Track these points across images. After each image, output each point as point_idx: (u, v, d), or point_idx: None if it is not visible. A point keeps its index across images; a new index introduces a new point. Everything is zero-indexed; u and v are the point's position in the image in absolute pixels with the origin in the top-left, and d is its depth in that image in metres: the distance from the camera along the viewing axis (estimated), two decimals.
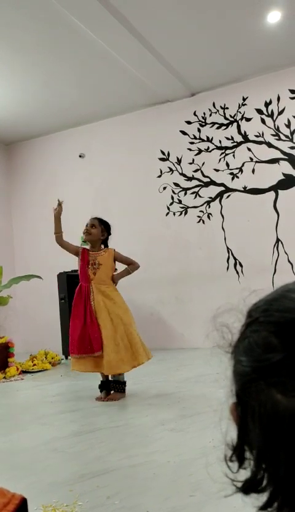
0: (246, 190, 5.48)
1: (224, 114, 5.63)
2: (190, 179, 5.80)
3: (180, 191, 5.86)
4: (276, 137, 5.31)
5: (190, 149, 5.80)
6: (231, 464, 0.46)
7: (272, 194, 5.32)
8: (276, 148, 5.30)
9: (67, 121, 6.39)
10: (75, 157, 6.53)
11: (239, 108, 5.54)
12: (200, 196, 5.74)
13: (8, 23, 4.07)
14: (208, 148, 5.71)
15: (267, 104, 5.37)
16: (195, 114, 5.79)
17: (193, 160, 5.78)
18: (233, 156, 5.55)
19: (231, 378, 0.45)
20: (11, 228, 7.04)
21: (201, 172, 5.73)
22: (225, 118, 5.62)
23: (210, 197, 5.68)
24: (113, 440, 2.36)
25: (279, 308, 0.42)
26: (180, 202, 5.85)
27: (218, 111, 5.66)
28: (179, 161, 5.87)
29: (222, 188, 5.61)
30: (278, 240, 5.26)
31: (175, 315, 5.77)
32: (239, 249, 5.48)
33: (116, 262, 3.47)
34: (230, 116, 5.59)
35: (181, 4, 3.98)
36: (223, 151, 5.62)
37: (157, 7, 3.98)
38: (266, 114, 5.38)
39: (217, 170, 5.64)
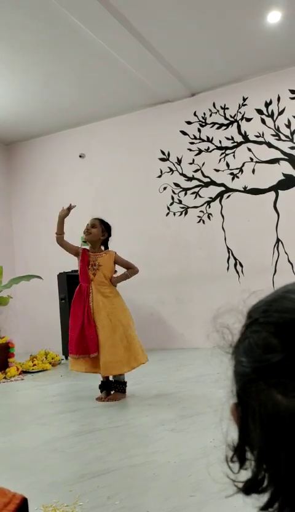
0: (246, 190, 5.48)
1: (224, 114, 5.63)
2: (190, 179, 5.80)
3: (180, 191, 5.86)
4: (277, 137, 5.31)
5: (190, 149, 5.80)
6: (232, 465, 0.47)
7: (272, 194, 5.32)
8: (277, 148, 5.30)
9: (67, 121, 6.39)
10: (75, 157, 6.53)
11: (239, 108, 5.54)
12: (200, 196, 5.74)
13: (8, 23, 4.08)
14: (208, 148, 5.70)
15: (267, 105, 5.37)
16: (195, 114, 5.78)
17: (193, 160, 5.78)
18: (234, 156, 5.55)
19: (231, 378, 0.45)
20: (11, 228, 7.04)
21: (202, 172, 5.73)
22: (226, 118, 5.62)
23: (210, 197, 5.68)
24: (113, 441, 2.36)
25: (279, 309, 0.42)
26: (180, 202, 5.85)
27: (218, 111, 5.66)
28: (179, 161, 5.87)
29: (222, 188, 5.61)
30: (278, 240, 5.26)
31: (175, 315, 5.77)
32: (239, 249, 5.48)
33: (116, 265, 3.47)
34: (230, 116, 5.59)
35: (181, 4, 3.98)
36: (223, 151, 5.62)
37: (157, 7, 3.99)
38: (266, 114, 5.38)
39: (217, 170, 5.64)
